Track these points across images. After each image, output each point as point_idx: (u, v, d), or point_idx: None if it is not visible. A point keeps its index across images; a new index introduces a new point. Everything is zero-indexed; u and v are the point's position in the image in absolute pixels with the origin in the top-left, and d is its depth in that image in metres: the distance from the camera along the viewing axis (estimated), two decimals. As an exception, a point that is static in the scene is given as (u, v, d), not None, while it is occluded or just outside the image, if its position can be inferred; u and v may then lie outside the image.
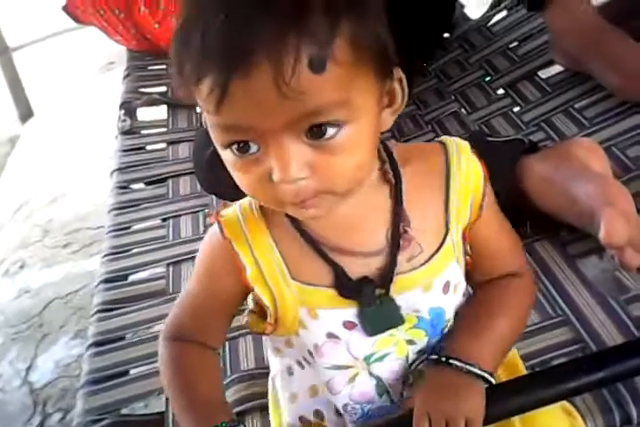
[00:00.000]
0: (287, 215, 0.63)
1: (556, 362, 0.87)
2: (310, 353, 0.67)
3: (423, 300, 0.65)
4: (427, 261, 0.64)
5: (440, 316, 0.66)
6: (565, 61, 1.32)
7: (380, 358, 0.66)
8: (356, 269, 0.63)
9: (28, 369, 1.93)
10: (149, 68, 1.93)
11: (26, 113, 3.40)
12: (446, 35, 1.68)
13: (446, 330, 0.68)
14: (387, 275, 0.63)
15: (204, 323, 0.71)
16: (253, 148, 0.54)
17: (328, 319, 0.64)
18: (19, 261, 2.36)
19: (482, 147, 1.08)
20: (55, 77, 3.63)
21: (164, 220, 1.41)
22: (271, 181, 0.54)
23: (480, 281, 0.71)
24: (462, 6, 1.77)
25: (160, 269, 1.28)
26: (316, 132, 0.52)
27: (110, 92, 2.21)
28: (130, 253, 1.34)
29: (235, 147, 0.54)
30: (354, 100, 0.52)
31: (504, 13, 1.59)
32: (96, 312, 1.23)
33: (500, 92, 1.41)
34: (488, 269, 0.70)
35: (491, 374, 0.63)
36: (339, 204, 0.58)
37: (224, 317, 0.71)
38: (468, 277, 0.70)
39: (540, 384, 0.66)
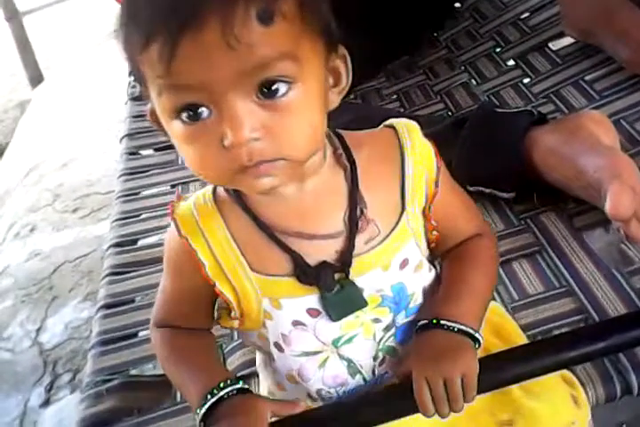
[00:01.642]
0: (241, 204, 0.63)
1: (557, 332, 0.88)
2: (278, 343, 0.67)
3: (384, 278, 0.65)
4: (383, 240, 0.64)
5: (402, 291, 0.66)
6: (576, 33, 1.31)
7: (349, 340, 0.66)
8: (315, 253, 0.63)
9: (38, 331, 1.97)
10: None
11: (36, 77, 3.41)
12: (457, 4, 1.66)
13: (412, 305, 0.68)
14: (346, 258, 0.63)
15: (185, 314, 0.71)
16: (204, 113, 0.53)
17: (292, 308, 0.64)
18: (29, 224, 2.38)
19: (491, 117, 1.09)
20: (65, 42, 3.62)
21: (173, 186, 1.42)
22: (222, 148, 0.53)
23: (449, 248, 0.72)
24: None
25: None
26: (266, 92, 0.52)
27: (120, 58, 2.20)
28: (139, 218, 1.36)
29: (184, 115, 0.54)
30: (301, 57, 0.53)
31: None
32: (106, 275, 1.25)
33: (511, 63, 1.40)
34: (453, 236, 0.71)
35: (477, 331, 0.64)
36: (295, 175, 0.58)
37: (203, 305, 0.70)
38: (438, 246, 0.71)
39: (541, 353, 0.67)
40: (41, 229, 2.34)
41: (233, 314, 0.66)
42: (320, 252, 0.63)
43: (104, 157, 2.48)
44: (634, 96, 1.15)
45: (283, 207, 0.62)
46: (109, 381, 1.05)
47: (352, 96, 1.49)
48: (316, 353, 0.67)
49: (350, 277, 0.63)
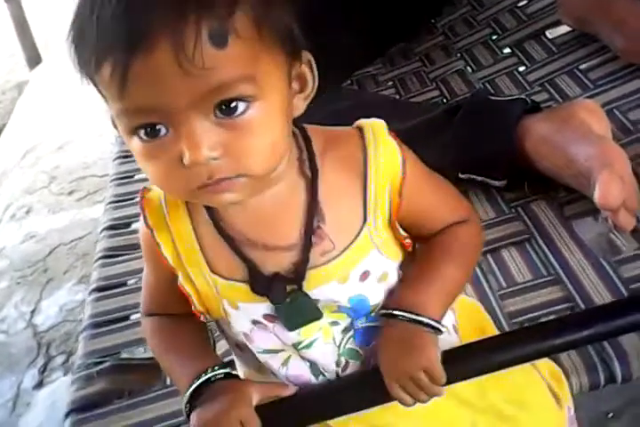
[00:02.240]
0: (206, 207, 0.62)
1: (544, 320, 0.88)
2: (242, 339, 0.67)
3: (340, 291, 0.63)
4: (341, 253, 0.62)
5: (362, 302, 0.65)
6: (572, 21, 1.31)
7: (309, 345, 0.66)
8: (270, 263, 0.62)
9: (33, 312, 1.97)
10: None
11: (34, 58, 3.39)
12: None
13: (374, 314, 0.66)
14: (299, 271, 0.62)
15: (167, 302, 0.70)
16: (162, 131, 0.52)
17: (249, 311, 0.64)
18: (25, 206, 2.38)
19: (484, 105, 1.09)
20: (63, 23, 3.59)
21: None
22: (182, 166, 0.52)
23: (428, 237, 0.69)
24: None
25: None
26: (225, 110, 0.51)
27: None
28: (133, 201, 1.36)
29: (142, 132, 0.52)
30: (260, 77, 0.52)
31: None
32: (99, 258, 1.26)
33: (507, 51, 1.40)
34: (430, 226, 0.68)
35: (437, 321, 0.63)
36: (256, 189, 0.57)
37: (176, 294, 0.68)
38: (418, 239, 0.69)
39: (525, 340, 0.67)
40: (37, 211, 2.34)
41: (194, 308, 0.66)
42: (275, 262, 0.62)
43: (100, 140, 2.48)
44: (628, 85, 1.15)
45: (242, 215, 0.61)
46: (100, 363, 1.06)
47: (348, 81, 1.49)
48: (278, 351, 0.67)
49: (305, 288, 0.62)
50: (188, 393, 0.64)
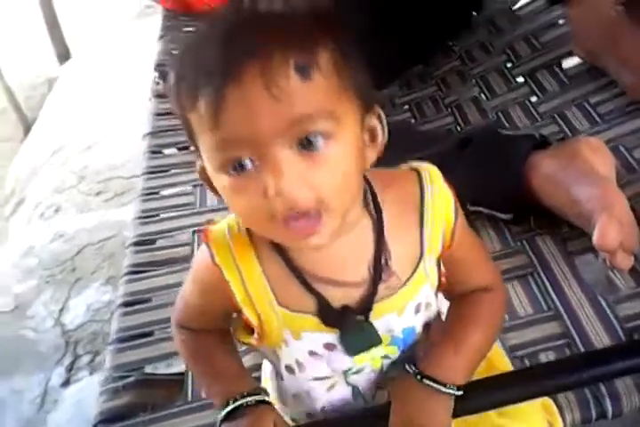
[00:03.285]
0: (273, 243, 0.66)
1: (542, 354, 0.94)
2: (291, 367, 0.72)
3: (398, 322, 0.70)
4: (402, 287, 0.68)
5: (411, 333, 0.72)
6: (583, 54, 1.34)
7: (358, 372, 0.72)
8: (339, 297, 0.67)
9: (61, 311, 2.04)
10: (184, 29, 1.95)
11: (63, 54, 3.46)
12: (474, 13, 1.69)
13: (415, 340, 0.73)
14: (367, 304, 0.67)
15: (204, 324, 0.76)
16: (248, 164, 0.56)
17: (311, 341, 0.69)
18: (54, 205, 2.45)
19: (494, 140, 1.14)
20: (93, 20, 3.65)
21: (195, 186, 1.47)
22: (265, 197, 0.56)
23: (455, 295, 0.76)
24: (492, -15, 1.77)
25: (186, 236, 1.35)
26: (306, 144, 0.56)
27: (148, 38, 2.23)
28: (158, 217, 1.42)
29: (230, 167, 0.57)
30: (339, 115, 0.56)
31: None
32: (125, 273, 1.31)
33: (520, 79, 1.43)
34: (462, 284, 0.74)
35: (459, 389, 0.68)
36: (337, 230, 0.60)
37: (225, 317, 0.74)
38: (446, 291, 0.75)
39: (524, 382, 0.73)
40: (65, 210, 2.40)
41: (255, 336, 0.71)
42: (344, 296, 0.67)
43: (128, 141, 2.52)
44: (635, 122, 1.18)
45: (314, 256, 0.66)
46: (126, 377, 1.11)
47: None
48: (325, 378, 0.73)
49: (370, 319, 0.68)
50: (221, 416, 0.70)
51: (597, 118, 1.24)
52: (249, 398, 0.69)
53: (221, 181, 0.59)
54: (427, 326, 0.74)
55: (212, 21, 0.59)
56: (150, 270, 1.30)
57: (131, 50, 3.17)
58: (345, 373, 0.72)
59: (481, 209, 1.13)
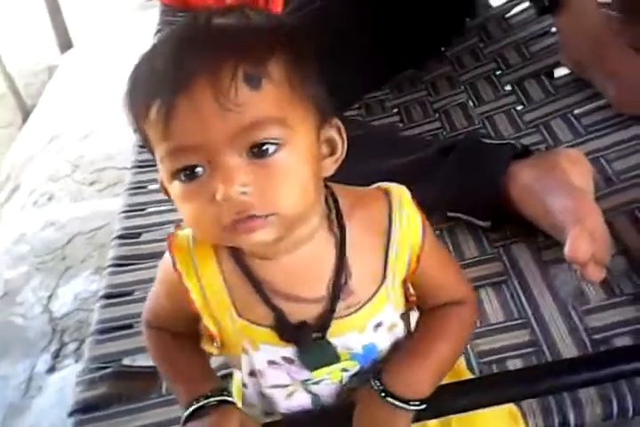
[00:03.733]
0: (235, 255, 0.67)
1: (509, 361, 0.96)
2: (252, 373, 0.73)
3: (356, 340, 0.70)
4: (361, 307, 0.68)
5: (372, 350, 0.72)
6: (571, 65, 1.35)
7: (317, 382, 0.73)
8: (297, 313, 0.67)
9: (50, 298, 2.05)
10: (193, 14, 1.95)
11: (65, 43, 3.46)
12: (467, 19, 1.69)
13: (379, 358, 0.74)
14: (325, 321, 0.67)
15: (174, 323, 0.76)
16: (200, 171, 0.57)
17: (269, 352, 0.70)
18: (47, 193, 2.46)
19: (475, 149, 1.15)
20: (96, 10, 3.66)
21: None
22: (214, 203, 0.57)
23: (426, 309, 0.76)
24: (485, -8, 1.78)
25: (172, 231, 1.36)
26: (256, 152, 0.57)
27: (149, 29, 2.24)
28: (144, 212, 1.43)
29: (182, 175, 0.58)
30: (290, 123, 0.57)
31: (525, 5, 1.59)
32: (109, 266, 1.33)
33: (508, 88, 1.44)
34: (432, 300, 0.75)
35: (422, 403, 0.69)
36: (285, 231, 0.61)
37: (191, 321, 0.73)
38: (417, 306, 0.76)
39: (491, 387, 0.75)
40: (58, 198, 2.42)
41: (215, 345, 0.72)
42: (302, 312, 0.68)
43: (123, 132, 2.53)
44: (617, 134, 1.19)
45: (273, 268, 0.67)
46: (103, 368, 1.12)
47: (357, 106, 1.55)
48: (286, 386, 0.73)
49: (327, 336, 0.68)
50: (185, 415, 0.71)
51: (581, 129, 1.24)
52: (211, 399, 0.70)
53: (174, 188, 0.60)
54: (395, 344, 0.74)
55: (168, 34, 0.61)
56: (134, 264, 1.32)
57: (132, 41, 3.17)
58: (304, 382, 0.73)
59: (460, 215, 1.14)
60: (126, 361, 1.16)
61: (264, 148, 0.57)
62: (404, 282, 0.71)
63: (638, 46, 1.21)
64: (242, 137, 0.56)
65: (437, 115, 1.47)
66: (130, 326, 1.20)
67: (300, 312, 0.68)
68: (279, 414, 0.77)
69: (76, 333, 1.92)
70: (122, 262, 1.33)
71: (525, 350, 0.97)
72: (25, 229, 2.32)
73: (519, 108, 1.37)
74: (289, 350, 0.69)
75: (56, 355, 1.87)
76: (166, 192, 0.64)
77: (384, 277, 0.69)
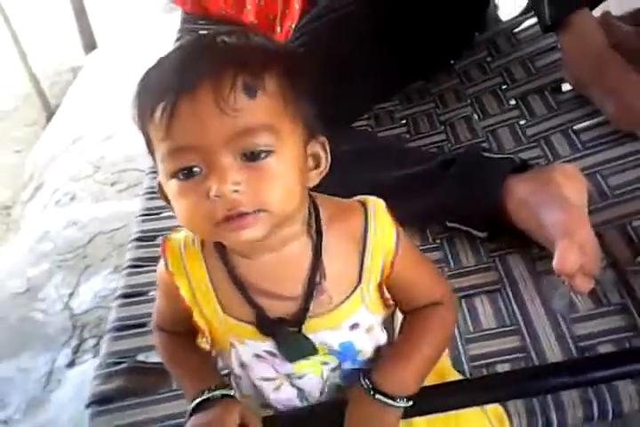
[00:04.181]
0: (222, 257, 0.73)
1: (499, 366, 1.01)
2: (241, 366, 0.80)
3: (332, 337, 0.75)
4: (335, 308, 0.74)
5: (349, 347, 0.77)
6: (572, 81, 1.38)
7: (301, 377, 0.79)
8: (275, 309, 0.73)
9: (71, 295, 2.13)
10: (200, 33, 2.00)
11: (90, 44, 3.54)
12: (476, 33, 1.73)
13: (360, 358, 0.79)
14: (300, 318, 0.73)
15: (176, 323, 0.82)
16: (197, 171, 0.63)
17: (253, 346, 0.76)
18: (69, 193, 2.54)
19: (475, 163, 1.20)
20: (120, 12, 3.73)
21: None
22: (207, 200, 0.62)
23: (407, 310, 0.81)
24: (496, 7, 1.82)
25: (185, 233, 1.42)
26: (249, 155, 0.62)
27: (173, 32, 2.30)
28: (160, 216, 1.50)
29: (180, 174, 0.63)
30: (280, 132, 0.63)
31: (533, 20, 1.62)
32: (127, 267, 1.40)
33: (512, 102, 1.48)
34: (411, 302, 0.80)
35: (410, 399, 0.75)
36: (273, 228, 0.66)
37: (186, 320, 0.78)
38: (398, 308, 0.81)
39: (479, 388, 0.81)
40: (80, 199, 2.49)
41: (205, 340, 0.79)
42: (280, 309, 0.74)
43: (144, 134, 2.59)
44: (614, 150, 1.23)
45: (254, 267, 0.73)
46: (119, 364, 1.19)
47: (366, 116, 1.60)
48: (273, 379, 0.80)
49: (303, 331, 0.74)
50: (190, 408, 0.77)
51: (579, 145, 1.28)
52: (215, 393, 0.77)
53: (171, 186, 0.65)
54: (378, 348, 0.80)
55: (175, 48, 0.68)
56: (149, 265, 1.37)
57: (156, 43, 3.23)
58: (289, 376, 0.79)
59: (459, 226, 1.20)
60: (140, 357, 1.22)
61: (255, 152, 0.63)
62: (380, 286, 0.76)
63: None
64: (236, 141, 0.62)
65: (443, 127, 1.51)
66: (144, 325, 1.26)
67: (278, 309, 0.74)
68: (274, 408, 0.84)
69: (95, 329, 1.99)
70: (138, 264, 1.39)
71: (514, 356, 1.02)
72: (48, 228, 2.40)
73: (522, 122, 1.41)
74: (269, 344, 0.75)
75: (76, 350, 1.95)
76: (163, 196, 0.70)
77: (359, 281, 0.74)
